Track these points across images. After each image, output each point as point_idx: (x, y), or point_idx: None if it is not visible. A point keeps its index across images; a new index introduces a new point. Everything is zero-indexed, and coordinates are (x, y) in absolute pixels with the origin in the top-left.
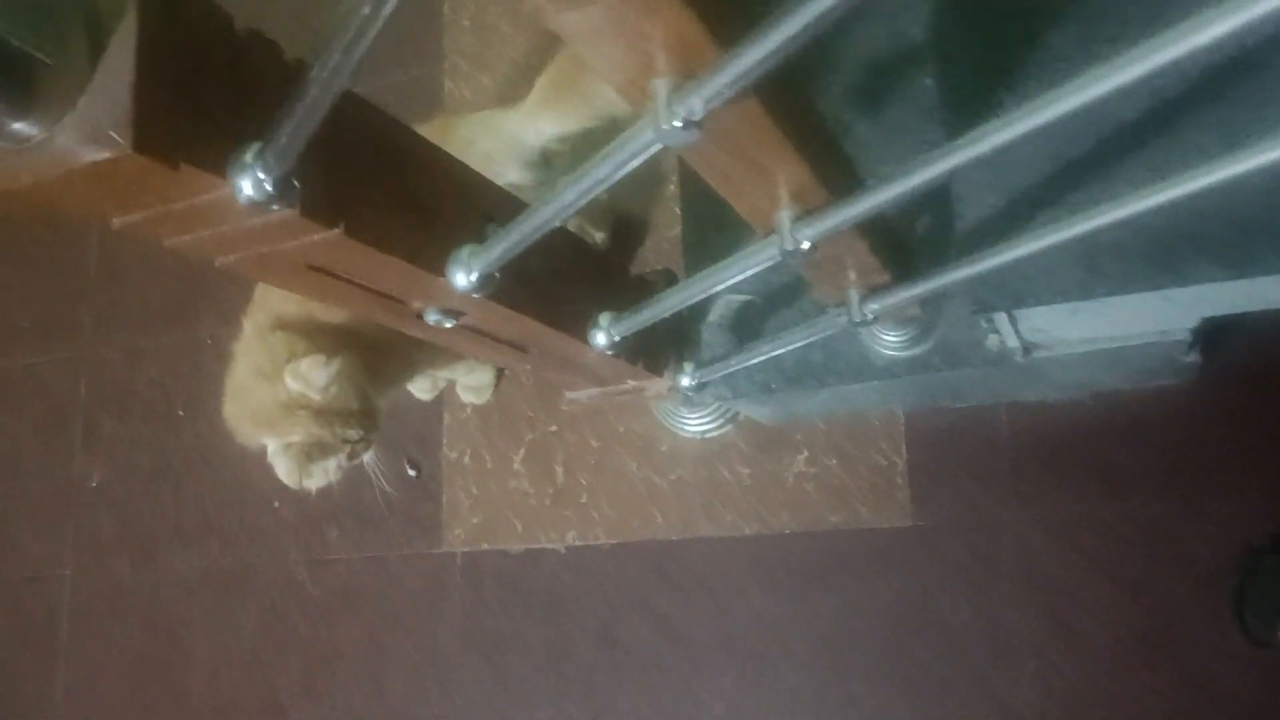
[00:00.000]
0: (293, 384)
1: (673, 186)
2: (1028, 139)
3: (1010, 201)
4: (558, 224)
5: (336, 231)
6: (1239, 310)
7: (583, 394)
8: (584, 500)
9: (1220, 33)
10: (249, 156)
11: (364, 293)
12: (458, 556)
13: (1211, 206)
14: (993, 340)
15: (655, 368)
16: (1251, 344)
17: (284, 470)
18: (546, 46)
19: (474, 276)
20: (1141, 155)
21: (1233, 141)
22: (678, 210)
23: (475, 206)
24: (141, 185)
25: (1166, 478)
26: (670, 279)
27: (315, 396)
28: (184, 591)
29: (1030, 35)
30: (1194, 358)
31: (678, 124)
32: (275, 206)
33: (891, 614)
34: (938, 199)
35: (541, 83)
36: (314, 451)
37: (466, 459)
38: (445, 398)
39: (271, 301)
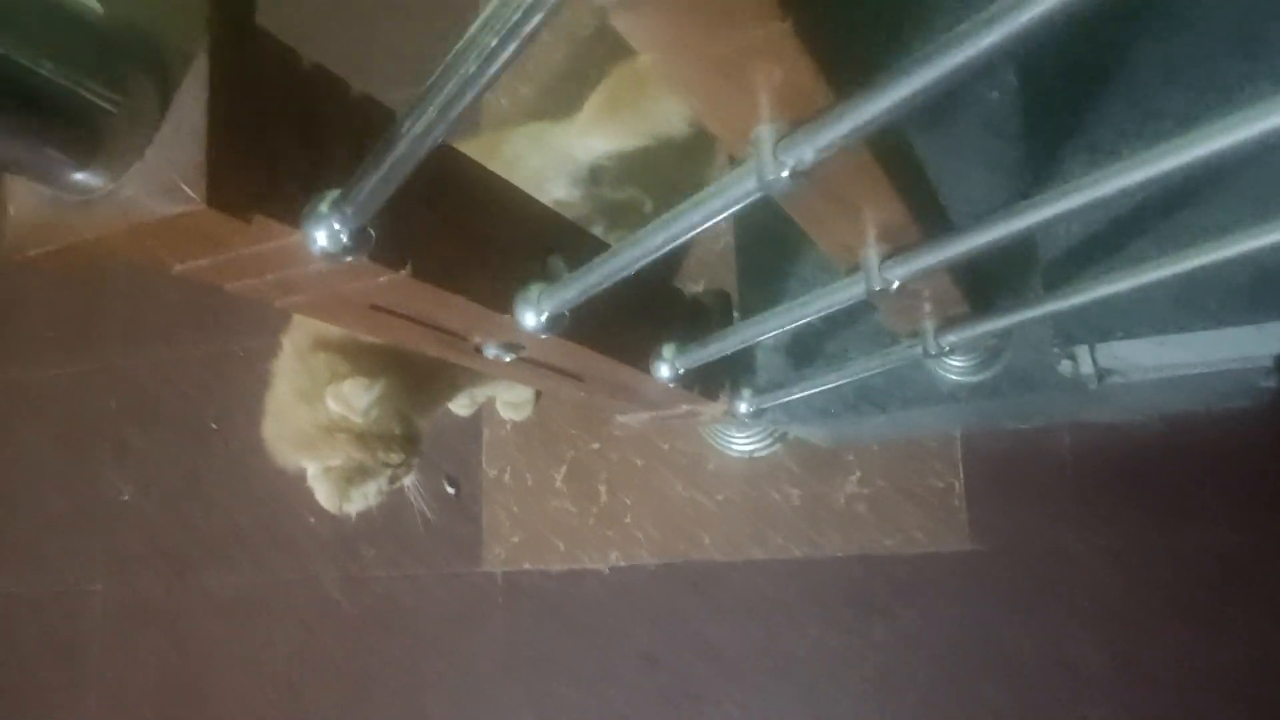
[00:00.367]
0: (334, 406)
1: None
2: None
3: (1098, 230)
4: (637, 269)
5: (404, 273)
6: None
7: (633, 418)
8: (628, 520)
9: None
10: (324, 207)
11: (425, 330)
12: (498, 576)
13: None
14: (1065, 366)
15: (710, 392)
16: None
17: (324, 495)
18: (588, 55)
19: (544, 317)
20: (1239, 185)
21: None
22: (722, 224)
23: (537, 238)
24: (209, 236)
25: (1242, 506)
26: (724, 301)
27: (356, 420)
28: (215, 610)
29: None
30: (1273, 382)
31: (785, 174)
32: (349, 258)
33: (949, 644)
34: None
35: (596, 98)
36: (355, 476)
37: (507, 477)
38: (484, 414)
39: (312, 321)
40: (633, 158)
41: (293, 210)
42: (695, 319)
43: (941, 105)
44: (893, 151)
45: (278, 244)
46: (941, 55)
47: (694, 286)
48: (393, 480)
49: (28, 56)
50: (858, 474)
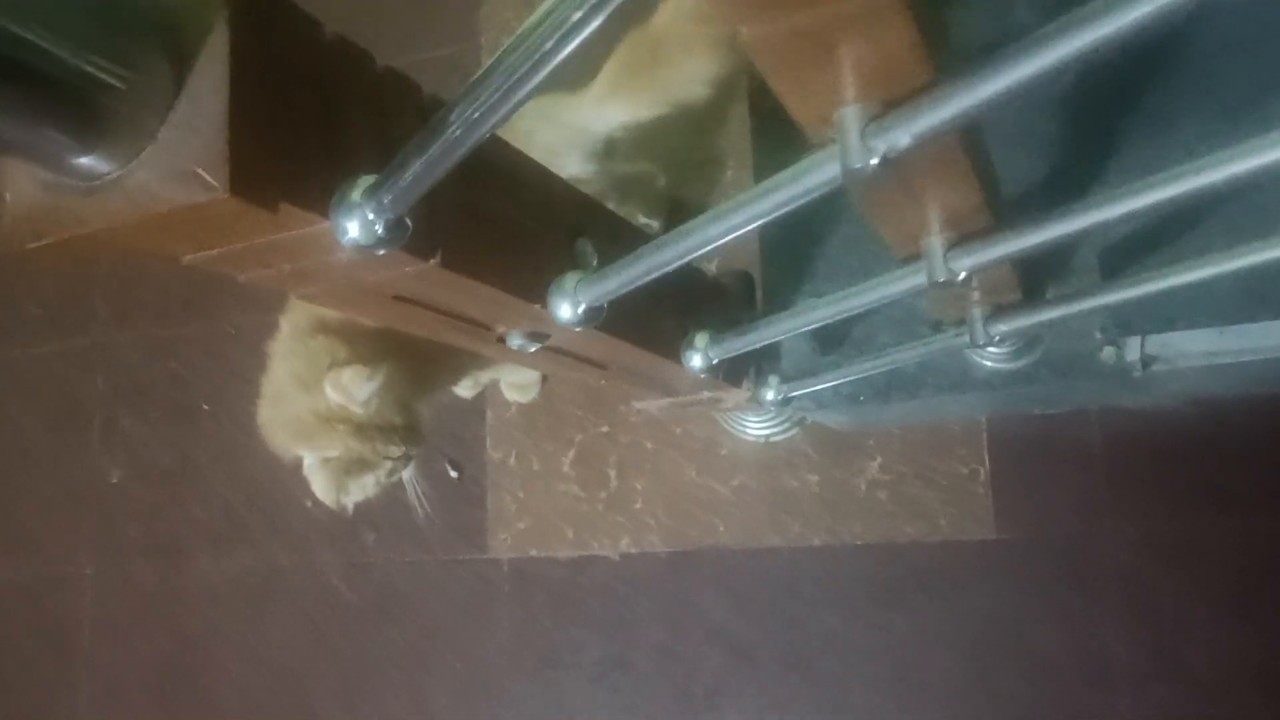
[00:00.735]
0: (333, 395)
1: (730, 171)
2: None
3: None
4: (690, 260)
5: (433, 263)
6: None
7: (652, 404)
8: (638, 506)
9: None
10: (356, 195)
11: (448, 320)
12: (504, 563)
13: None
14: (1108, 354)
15: (734, 379)
16: None
17: (321, 486)
18: None
19: (581, 309)
20: None
21: None
22: None
23: (564, 220)
24: (227, 226)
25: (1276, 493)
26: (746, 283)
27: (356, 410)
28: (211, 596)
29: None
30: None
31: (874, 161)
32: (383, 250)
33: (974, 634)
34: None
35: (611, 66)
36: (353, 468)
37: (512, 460)
38: (487, 395)
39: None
40: (647, 128)
41: (321, 197)
42: (718, 303)
43: None
44: (974, 131)
45: (302, 233)
46: (1067, 34)
47: (708, 264)
48: (391, 473)
49: (21, 25)
50: (878, 460)
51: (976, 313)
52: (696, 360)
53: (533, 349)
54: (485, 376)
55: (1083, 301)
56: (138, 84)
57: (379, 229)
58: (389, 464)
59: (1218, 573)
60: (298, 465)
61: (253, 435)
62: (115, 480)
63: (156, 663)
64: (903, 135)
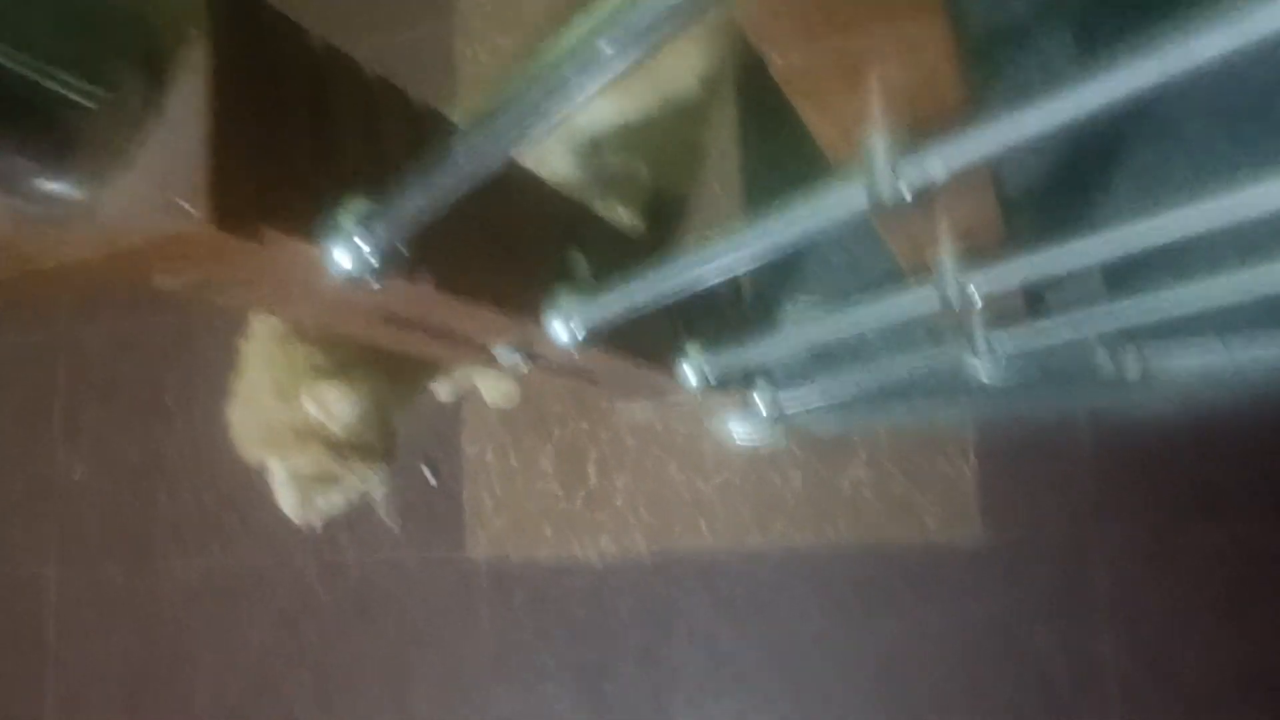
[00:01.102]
0: (312, 410)
1: (712, 163)
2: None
3: None
4: (703, 288)
5: (426, 286)
6: None
7: (637, 407)
8: (619, 504)
9: None
10: (349, 221)
11: (441, 339)
12: (482, 562)
13: None
14: (1104, 361)
15: (723, 384)
16: None
17: (287, 500)
18: (571, 6)
19: (582, 335)
20: None
21: None
22: (719, 190)
23: (555, 230)
24: (207, 254)
25: (1269, 497)
26: (732, 286)
27: (335, 428)
28: (183, 597)
29: None
30: None
31: (906, 194)
32: (376, 282)
33: (962, 638)
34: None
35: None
36: (322, 484)
37: (489, 456)
38: (464, 393)
39: None
40: (633, 122)
41: (309, 222)
42: (706, 302)
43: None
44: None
45: (288, 259)
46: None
47: None
48: (362, 493)
49: None
50: (864, 458)
51: (977, 324)
52: (691, 373)
53: (526, 369)
54: (466, 380)
55: (1089, 315)
56: (109, 102)
57: (373, 260)
58: (361, 485)
59: (1208, 578)
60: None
61: (223, 431)
62: (78, 477)
63: (126, 665)
64: (937, 167)
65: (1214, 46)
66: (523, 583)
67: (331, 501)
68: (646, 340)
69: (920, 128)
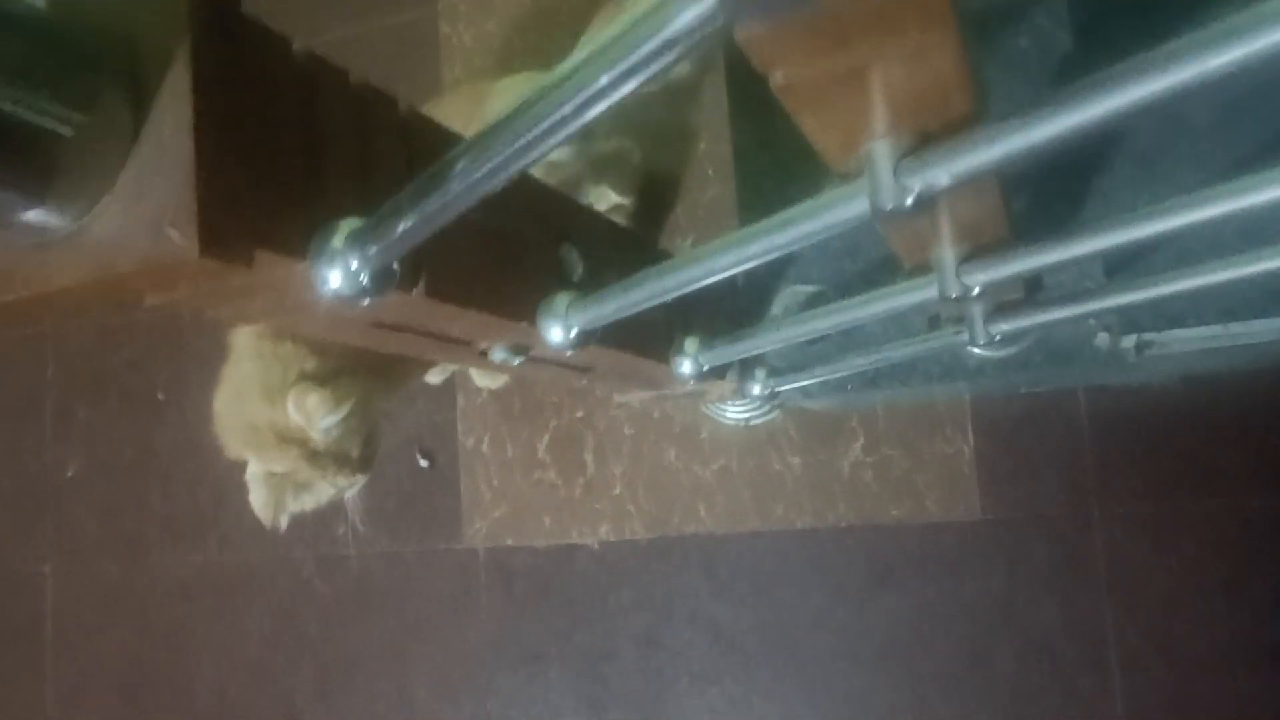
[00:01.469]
0: (295, 415)
1: (704, 144)
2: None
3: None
4: (699, 287)
5: (416, 293)
6: None
7: (634, 397)
8: (618, 492)
9: None
10: (339, 241)
11: (429, 339)
12: (480, 553)
13: None
14: (1103, 339)
15: (720, 372)
16: None
17: (259, 500)
18: None
19: (574, 334)
20: None
21: None
22: (710, 172)
23: (548, 227)
24: (194, 276)
25: (1268, 469)
26: (730, 279)
27: (315, 435)
28: (181, 592)
29: None
30: None
31: (909, 201)
32: (367, 300)
33: (963, 617)
34: (1072, 198)
35: (587, 41)
36: (296, 488)
37: (485, 446)
38: (458, 379)
39: None
40: (626, 105)
41: (299, 240)
42: (702, 298)
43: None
44: None
45: (277, 277)
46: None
47: (682, 242)
48: (334, 498)
49: None
50: (862, 440)
51: (976, 311)
52: (686, 366)
53: (516, 361)
54: (453, 364)
55: (1088, 302)
56: (90, 127)
57: (364, 279)
58: (334, 491)
59: (1210, 550)
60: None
61: (214, 424)
62: (71, 473)
63: (125, 661)
64: (941, 174)
65: (1226, 58)
66: (522, 572)
67: (301, 503)
68: (642, 335)
69: (925, 134)
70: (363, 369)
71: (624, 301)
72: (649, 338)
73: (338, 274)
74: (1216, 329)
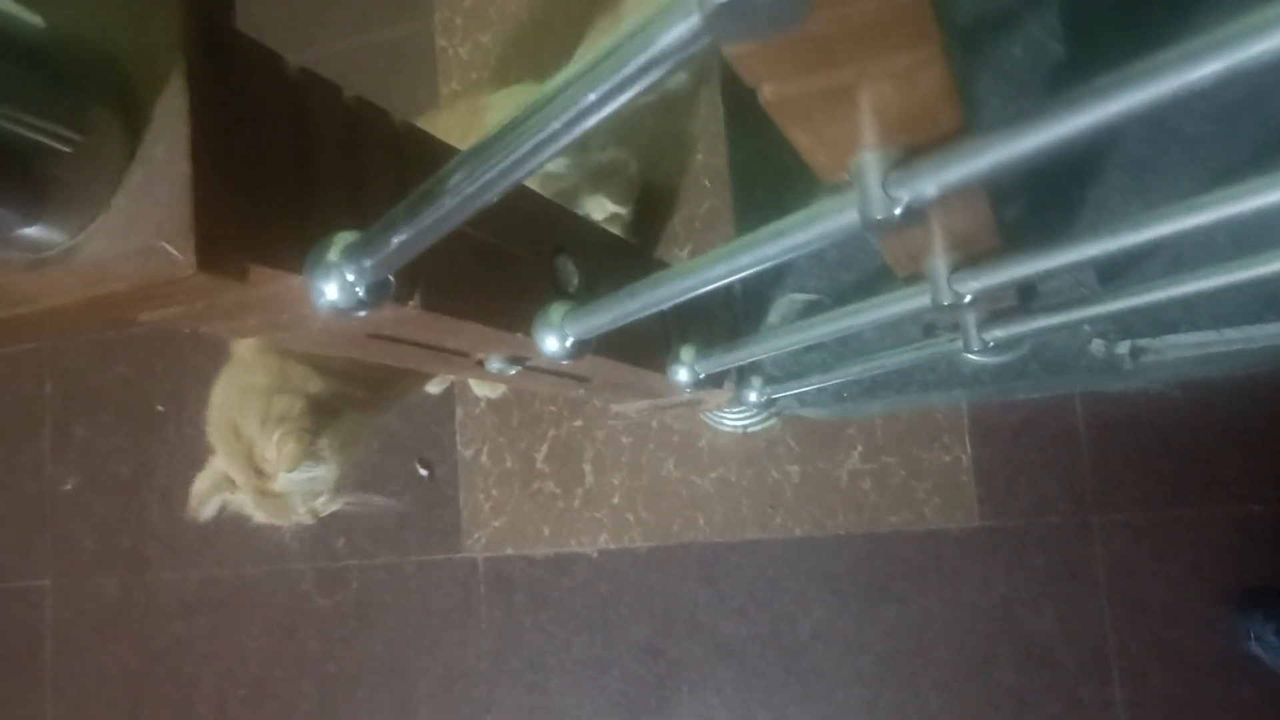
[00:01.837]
0: (270, 454)
1: (700, 156)
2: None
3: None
4: (689, 297)
5: (412, 305)
6: None
7: (631, 407)
8: (616, 502)
9: None
10: (334, 254)
11: (425, 351)
12: (480, 563)
13: None
14: (1097, 346)
15: (716, 380)
16: None
17: (198, 493)
18: (553, 1)
19: (569, 344)
20: None
21: None
22: (707, 183)
23: (543, 238)
24: (192, 293)
25: (1264, 475)
26: (726, 288)
27: (281, 480)
28: (179, 608)
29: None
30: None
31: (897, 212)
32: (363, 313)
33: (962, 624)
34: (1065, 205)
35: (582, 54)
36: (236, 499)
37: (484, 458)
38: (456, 391)
39: None
40: (622, 116)
41: (294, 254)
42: (698, 308)
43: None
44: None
45: (273, 291)
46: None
47: (679, 253)
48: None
49: None
50: (860, 449)
51: (970, 318)
52: (683, 375)
53: (513, 372)
54: (451, 375)
55: (1082, 308)
56: (85, 146)
57: (360, 291)
58: (267, 519)
59: (1209, 556)
60: None
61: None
62: (69, 488)
63: (124, 677)
64: (929, 185)
65: (1210, 69)
66: (522, 582)
67: (227, 510)
68: (639, 345)
69: (911, 143)
70: (363, 382)
71: (619, 311)
72: (646, 347)
73: (334, 286)
74: (1211, 335)
